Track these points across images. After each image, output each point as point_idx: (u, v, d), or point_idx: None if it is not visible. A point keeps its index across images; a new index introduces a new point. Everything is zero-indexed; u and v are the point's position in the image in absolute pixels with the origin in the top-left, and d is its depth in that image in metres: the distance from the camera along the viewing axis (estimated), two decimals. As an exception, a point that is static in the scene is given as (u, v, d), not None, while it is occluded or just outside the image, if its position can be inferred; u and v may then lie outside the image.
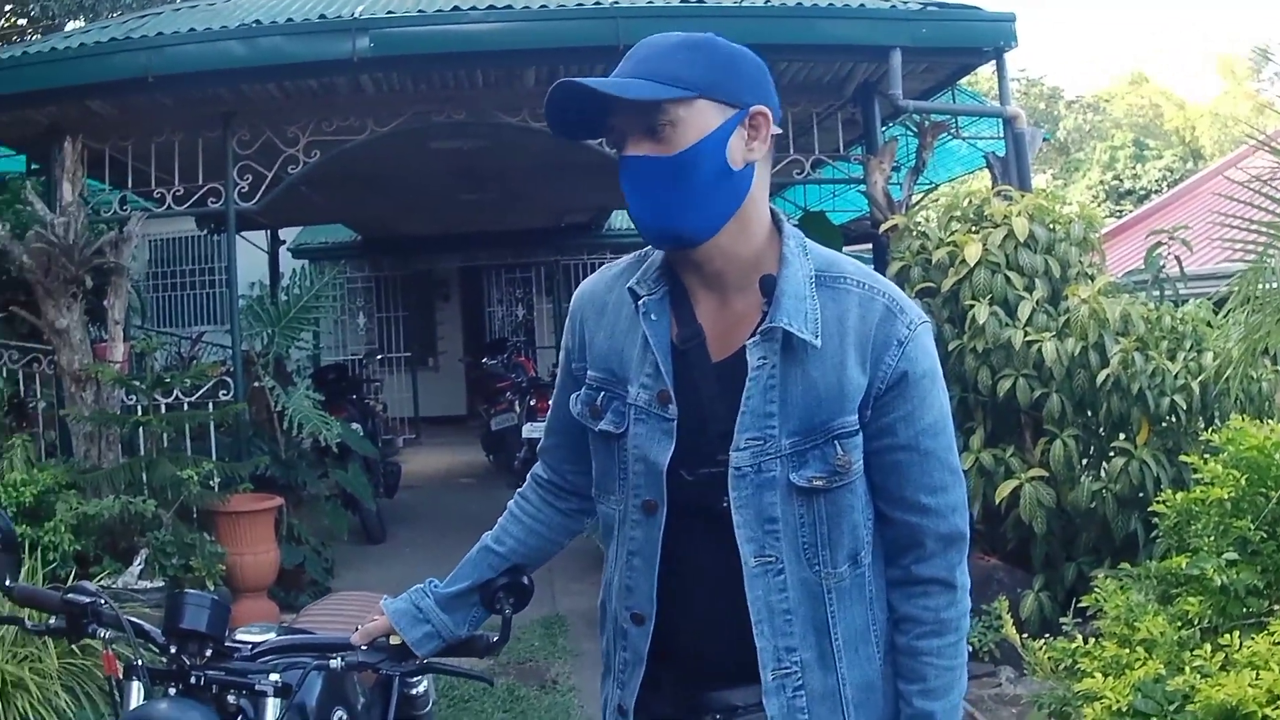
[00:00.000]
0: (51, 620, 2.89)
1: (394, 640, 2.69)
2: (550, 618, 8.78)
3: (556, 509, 2.69)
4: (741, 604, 2.21)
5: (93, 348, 9.04)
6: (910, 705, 2.24)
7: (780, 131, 2.26)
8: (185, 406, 9.33)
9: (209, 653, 2.72)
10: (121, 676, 2.78)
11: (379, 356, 19.96)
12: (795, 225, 2.32)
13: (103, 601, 2.79)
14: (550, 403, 2.68)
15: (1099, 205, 35.32)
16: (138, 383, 9.02)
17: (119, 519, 8.01)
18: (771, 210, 2.31)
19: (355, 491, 11.12)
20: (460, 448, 18.64)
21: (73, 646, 6.29)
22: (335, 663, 2.71)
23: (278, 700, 2.69)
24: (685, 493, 2.24)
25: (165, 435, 9.21)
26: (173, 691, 2.69)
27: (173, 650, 2.71)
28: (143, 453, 9.03)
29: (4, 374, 9.33)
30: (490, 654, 2.73)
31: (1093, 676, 4.64)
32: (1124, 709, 4.40)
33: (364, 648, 2.73)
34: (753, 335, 2.20)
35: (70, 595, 2.82)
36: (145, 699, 2.73)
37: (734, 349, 2.22)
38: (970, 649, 6.67)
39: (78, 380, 8.79)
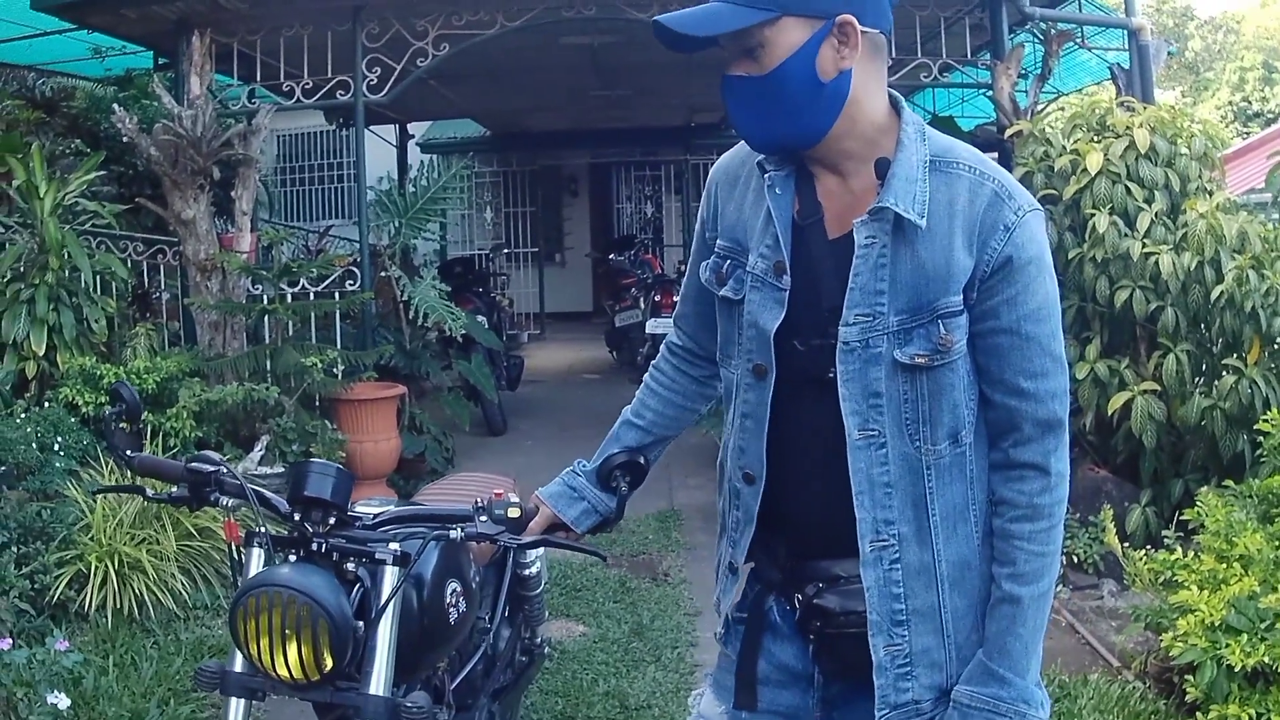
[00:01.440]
0: (174, 490, 3.00)
1: (512, 513, 2.80)
2: (666, 512, 8.94)
3: (690, 375, 2.82)
4: (845, 475, 2.29)
5: (218, 239, 9.22)
6: (1000, 588, 2.29)
7: (873, 31, 2.25)
8: (311, 297, 9.53)
9: (331, 521, 2.83)
10: (243, 543, 2.91)
11: (506, 251, 20.08)
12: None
13: (225, 470, 2.90)
14: (677, 296, 2.78)
15: (1227, 126, 34.61)
16: (265, 272, 9.22)
17: (241, 406, 8.19)
18: (892, 97, 2.35)
19: (478, 383, 11.27)
20: (584, 343, 18.82)
21: (190, 529, 6.51)
22: (454, 533, 2.81)
23: (396, 569, 2.80)
24: (798, 361, 2.33)
25: (290, 324, 9.44)
26: (293, 558, 2.81)
27: (296, 517, 2.82)
28: (267, 341, 9.23)
29: (129, 265, 9.51)
30: (603, 530, 2.82)
31: (1189, 589, 4.67)
32: (1216, 623, 4.44)
33: (484, 520, 2.83)
34: (862, 215, 2.26)
35: (193, 465, 2.93)
36: (265, 565, 2.86)
37: (849, 228, 2.29)
38: (1075, 560, 6.80)
39: (203, 270, 8.99)
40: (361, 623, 2.74)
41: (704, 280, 2.53)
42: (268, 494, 2.90)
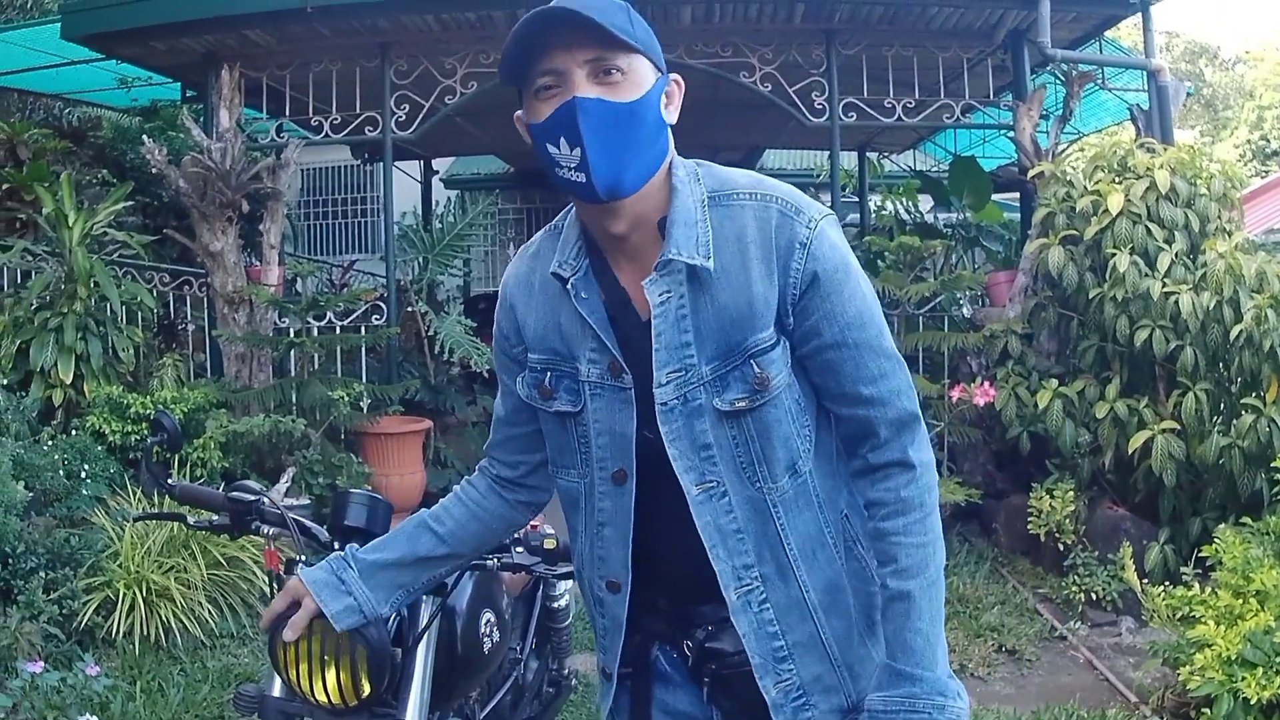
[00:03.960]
0: (214, 518, 3.06)
1: (548, 544, 2.82)
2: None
3: (503, 499, 2.64)
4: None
5: (245, 272, 9.33)
6: (887, 588, 2.23)
7: None
8: (337, 330, 9.61)
9: (370, 550, 2.87)
10: (283, 571, 2.93)
11: (529, 288, 20.00)
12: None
13: (265, 500, 2.96)
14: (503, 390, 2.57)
15: (1245, 164, 34.64)
16: (292, 305, 9.31)
17: (267, 437, 8.23)
18: None
19: (502, 418, 11.22)
20: (609, 378, 18.67)
21: (219, 558, 6.58)
22: (490, 563, 2.86)
23: (433, 597, 2.85)
24: (652, 450, 2.26)
25: (316, 357, 9.52)
26: (333, 586, 2.85)
27: (335, 546, 2.86)
28: (293, 374, 9.30)
29: (155, 295, 9.61)
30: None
31: (1206, 624, 4.71)
32: (1233, 657, 4.48)
33: (519, 550, 2.89)
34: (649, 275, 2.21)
35: (234, 494, 2.99)
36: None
37: None
38: (1094, 597, 6.84)
39: (231, 302, 9.10)
40: (399, 650, 2.79)
41: (525, 396, 2.41)
42: (308, 523, 2.95)
